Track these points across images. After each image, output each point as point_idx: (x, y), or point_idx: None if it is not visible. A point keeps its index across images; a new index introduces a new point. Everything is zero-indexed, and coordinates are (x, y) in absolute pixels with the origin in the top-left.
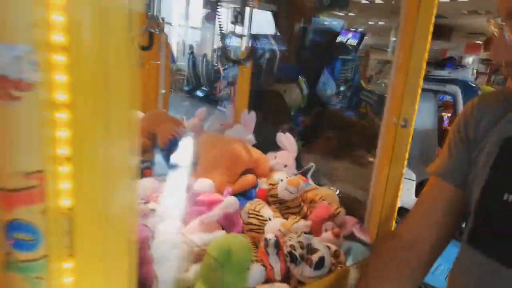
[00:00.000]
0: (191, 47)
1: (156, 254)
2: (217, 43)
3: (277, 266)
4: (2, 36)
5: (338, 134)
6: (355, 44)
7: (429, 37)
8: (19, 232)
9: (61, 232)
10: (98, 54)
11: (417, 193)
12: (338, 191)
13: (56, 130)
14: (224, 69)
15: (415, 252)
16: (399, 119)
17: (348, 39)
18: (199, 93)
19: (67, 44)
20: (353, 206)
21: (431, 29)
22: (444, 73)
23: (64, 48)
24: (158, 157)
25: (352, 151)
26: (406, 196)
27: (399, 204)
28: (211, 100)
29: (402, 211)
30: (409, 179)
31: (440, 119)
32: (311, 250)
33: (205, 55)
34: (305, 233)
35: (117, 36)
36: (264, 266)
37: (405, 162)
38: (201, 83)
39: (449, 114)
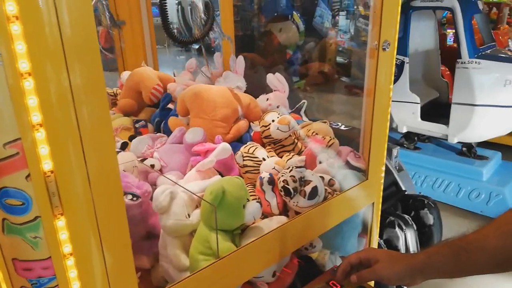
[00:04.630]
0: None
1: (156, 205)
2: None
3: (273, 201)
4: None
5: (336, 67)
6: None
7: None
8: (9, 198)
9: (49, 193)
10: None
11: (422, 116)
12: (341, 125)
13: (25, 98)
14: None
15: None
16: (380, 42)
17: None
18: (194, 45)
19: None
20: (352, 136)
21: None
22: None
23: (17, 18)
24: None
25: (350, 82)
26: (412, 120)
27: (404, 129)
28: (208, 50)
29: (410, 135)
30: (413, 102)
31: (443, 37)
32: (304, 182)
33: (192, 3)
34: (300, 167)
35: None
36: (260, 202)
37: (391, 86)
38: (194, 34)
39: (454, 31)
